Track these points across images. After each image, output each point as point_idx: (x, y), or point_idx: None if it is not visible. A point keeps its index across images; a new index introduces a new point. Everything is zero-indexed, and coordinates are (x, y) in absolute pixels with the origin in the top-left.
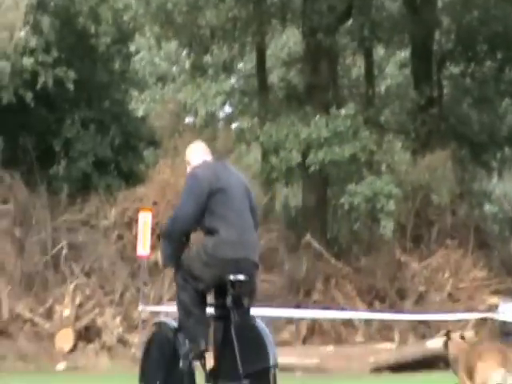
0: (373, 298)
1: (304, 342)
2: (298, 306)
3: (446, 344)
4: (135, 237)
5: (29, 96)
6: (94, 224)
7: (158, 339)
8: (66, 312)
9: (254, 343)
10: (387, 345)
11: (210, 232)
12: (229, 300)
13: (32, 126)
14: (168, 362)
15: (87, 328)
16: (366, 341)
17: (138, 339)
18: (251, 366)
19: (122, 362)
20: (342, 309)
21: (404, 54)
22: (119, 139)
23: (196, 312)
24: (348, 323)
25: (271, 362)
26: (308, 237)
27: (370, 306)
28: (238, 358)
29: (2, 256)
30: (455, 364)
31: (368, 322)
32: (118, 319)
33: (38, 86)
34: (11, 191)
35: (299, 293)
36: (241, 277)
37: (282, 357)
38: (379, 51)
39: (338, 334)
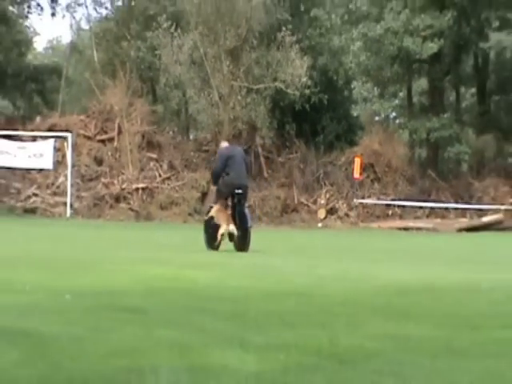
0: None
1: None
2: None
3: (210, 209)
4: (352, 169)
5: (306, 106)
6: (335, 163)
7: (210, 219)
8: (322, 201)
9: (243, 217)
10: None
11: (227, 174)
12: (235, 200)
13: (307, 120)
14: (211, 226)
15: (331, 208)
16: None
17: (353, 214)
18: (241, 226)
19: (346, 224)
20: None
21: None
22: (345, 125)
23: (222, 208)
24: None
25: (248, 224)
26: None
27: None
28: (237, 221)
29: (290, 171)
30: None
31: None
32: (345, 205)
33: (311, 101)
34: (299, 148)
35: None
36: (239, 191)
37: None
38: None
39: None
